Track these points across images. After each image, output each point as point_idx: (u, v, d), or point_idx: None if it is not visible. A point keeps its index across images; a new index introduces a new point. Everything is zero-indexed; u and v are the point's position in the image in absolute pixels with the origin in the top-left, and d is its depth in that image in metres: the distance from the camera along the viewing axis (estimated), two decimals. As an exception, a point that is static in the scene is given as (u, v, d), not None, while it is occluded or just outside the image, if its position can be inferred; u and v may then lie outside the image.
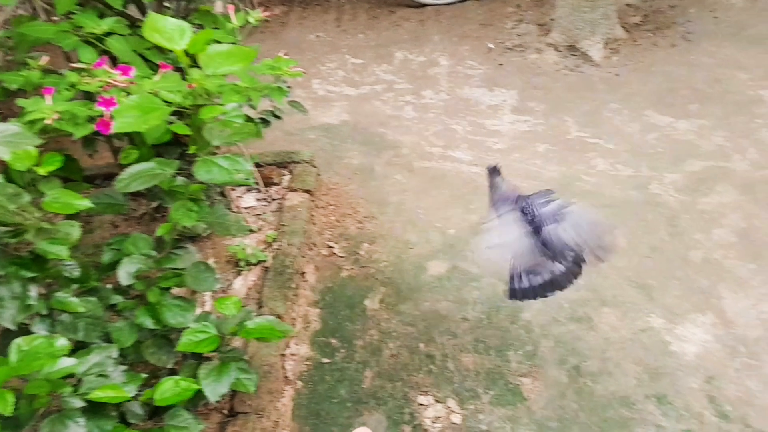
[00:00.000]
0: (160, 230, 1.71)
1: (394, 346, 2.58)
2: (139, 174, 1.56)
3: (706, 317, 2.62)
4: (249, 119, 2.05)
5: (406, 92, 4.44)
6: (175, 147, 2.42)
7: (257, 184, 3.12)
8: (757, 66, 4.40)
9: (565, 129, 3.92)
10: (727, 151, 3.61)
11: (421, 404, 2.37)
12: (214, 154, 1.84)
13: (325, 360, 2.54)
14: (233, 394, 2.25)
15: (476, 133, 3.95)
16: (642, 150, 3.68)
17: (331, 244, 3.07)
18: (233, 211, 2.93)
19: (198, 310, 2.68)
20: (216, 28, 2.14)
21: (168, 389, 1.69)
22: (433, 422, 2.30)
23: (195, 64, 1.52)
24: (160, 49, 2.07)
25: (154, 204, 2.91)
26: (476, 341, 2.59)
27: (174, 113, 1.65)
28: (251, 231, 2.90)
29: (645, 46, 4.75)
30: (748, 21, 4.96)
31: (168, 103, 1.47)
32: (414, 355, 2.55)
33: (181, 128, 1.54)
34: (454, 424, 2.29)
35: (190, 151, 1.56)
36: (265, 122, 2.67)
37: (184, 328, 1.79)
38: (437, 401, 2.38)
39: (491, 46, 4.92)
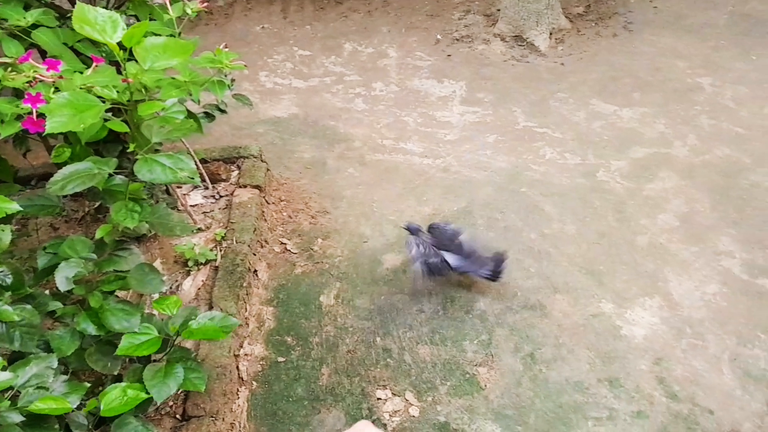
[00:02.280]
0: (100, 232, 1.63)
1: (350, 342, 2.56)
2: (74, 175, 1.47)
3: (653, 300, 2.70)
4: (191, 114, 1.97)
5: (356, 84, 4.40)
6: (115, 144, 2.32)
7: (204, 181, 3.03)
8: (694, 54, 4.56)
9: (513, 119, 3.96)
10: (669, 138, 3.73)
11: (379, 398, 2.35)
12: (157, 151, 1.77)
13: (281, 359, 2.49)
14: (186, 397, 2.19)
15: (427, 125, 3.95)
16: (588, 138, 3.75)
17: (284, 240, 3.01)
18: (180, 210, 2.84)
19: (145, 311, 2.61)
20: (152, 19, 2.05)
21: (114, 399, 1.62)
22: (392, 416, 2.29)
23: (132, 57, 1.45)
24: (95, 42, 1.97)
25: (96, 204, 2.79)
26: (432, 332, 2.59)
27: (111, 109, 1.57)
28: (199, 229, 2.82)
29: (588, 36, 4.85)
30: (686, 11, 5.13)
31: (103, 99, 1.40)
32: (371, 349, 2.53)
33: (118, 125, 1.46)
34: (413, 416, 2.29)
35: (129, 149, 1.49)
36: (209, 117, 2.59)
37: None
38: (395, 395, 2.36)
39: (439, 37, 4.93)
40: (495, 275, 2.68)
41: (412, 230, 2.76)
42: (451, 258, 2.68)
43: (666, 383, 2.36)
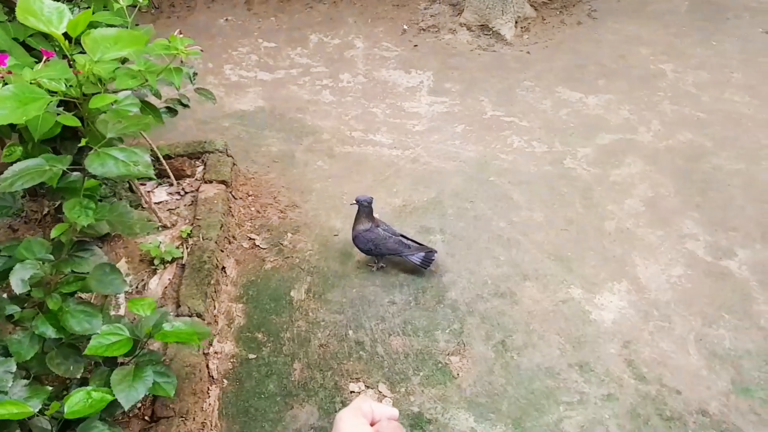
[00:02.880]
0: (55, 231, 1.57)
1: (322, 336, 2.53)
2: (23, 172, 1.42)
3: (621, 285, 2.73)
4: (150, 107, 1.91)
5: (323, 76, 4.36)
6: (73, 142, 2.25)
7: (169, 177, 2.97)
8: (657, 41, 4.63)
9: (481, 109, 3.97)
10: (634, 124, 3.78)
11: (352, 392, 2.34)
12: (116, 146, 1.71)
13: (252, 355, 2.46)
14: (154, 398, 2.14)
15: (395, 116, 3.93)
16: (555, 126, 3.78)
17: (252, 235, 2.97)
18: (144, 207, 2.77)
19: (113, 312, 2.54)
20: (105, 9, 1.98)
21: (78, 401, 1.56)
22: (365, 409, 2.27)
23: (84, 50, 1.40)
24: (47, 36, 1.91)
25: (56, 204, 2.70)
26: (404, 323, 2.58)
27: (64, 104, 1.52)
28: (165, 227, 2.76)
29: (553, 24, 4.89)
30: (648, -2, 5.20)
31: (53, 93, 1.34)
32: (343, 342, 2.51)
33: (69, 120, 1.41)
34: (386, 408, 2.27)
35: (81, 144, 1.44)
36: (171, 111, 2.53)
37: (92, 335, 1.66)
38: (368, 387, 2.35)
39: (406, 27, 4.91)
40: (426, 263, 2.75)
41: (367, 202, 2.71)
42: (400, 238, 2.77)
43: (634, 365, 2.40)
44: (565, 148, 3.59)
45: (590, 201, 3.20)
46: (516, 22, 4.78)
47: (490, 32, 4.71)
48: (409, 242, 2.76)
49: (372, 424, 0.69)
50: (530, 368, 2.41)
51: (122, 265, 2.66)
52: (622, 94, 4.06)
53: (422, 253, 2.75)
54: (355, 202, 2.72)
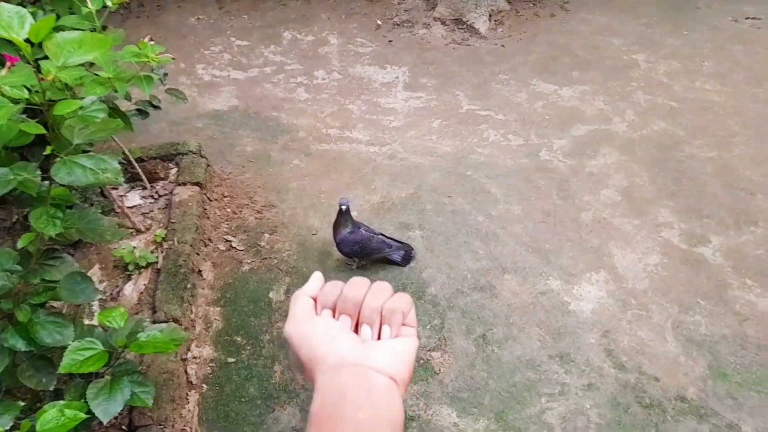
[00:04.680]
0: (22, 242, 1.53)
1: (302, 336, 2.51)
2: (-14, 182, 1.37)
3: (599, 275, 2.76)
4: (118, 112, 1.87)
5: (297, 73, 4.32)
6: (41, 148, 2.20)
7: (142, 180, 2.92)
8: (629, 32, 4.67)
9: (456, 103, 3.97)
10: (608, 115, 3.81)
11: (334, 392, 2.32)
12: (86, 151, 1.67)
13: (231, 359, 2.43)
14: (131, 407, 2.10)
15: (372, 112, 3.91)
16: (530, 119, 3.80)
17: (229, 237, 2.94)
18: (116, 212, 2.72)
19: (87, 321, 2.49)
20: (72, 12, 1.94)
21: (51, 419, 1.52)
22: (348, 408, 2.26)
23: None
24: (11, 42, 1.85)
25: (25, 212, 2.64)
26: (385, 321, 2.57)
27: (31, 110, 1.48)
28: (138, 231, 2.71)
29: (527, 17, 4.90)
30: (618, -11, 5.24)
31: (17, 101, 1.30)
32: (323, 342, 2.49)
33: (33, 127, 1.37)
34: (369, 407, 2.27)
35: (46, 152, 1.40)
36: (142, 114, 2.48)
37: (65, 347, 1.63)
38: (350, 387, 2.34)
39: (380, 22, 4.88)
40: (406, 260, 2.80)
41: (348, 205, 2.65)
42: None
43: (614, 355, 2.42)
44: (541, 140, 3.61)
45: (567, 192, 3.22)
46: (490, 16, 4.79)
47: (465, 26, 4.71)
48: (390, 241, 2.75)
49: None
50: (511, 361, 2.42)
51: (95, 271, 2.61)
52: (596, 85, 4.09)
53: (402, 251, 2.76)
54: (340, 205, 2.60)
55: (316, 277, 0.70)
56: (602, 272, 2.78)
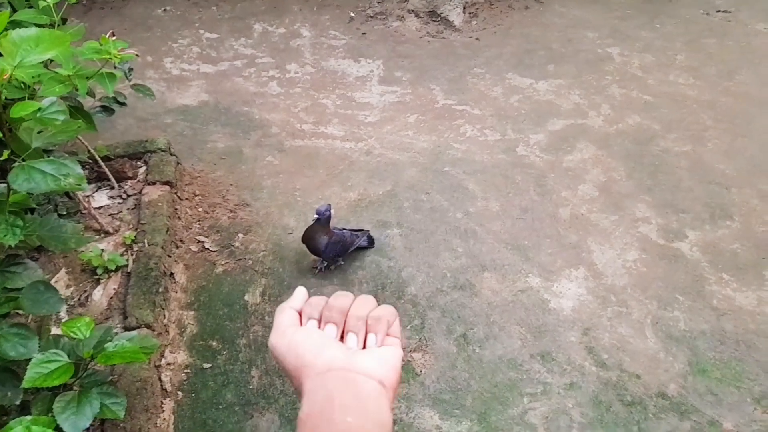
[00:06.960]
0: (-21, 252, 1.44)
1: (279, 340, 2.44)
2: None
3: (578, 272, 2.75)
4: (81, 111, 1.77)
5: (269, 67, 4.21)
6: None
7: (109, 180, 2.80)
8: (603, 25, 4.67)
9: (432, 97, 3.92)
10: (584, 109, 3.80)
11: (313, 396, 2.26)
12: (48, 151, 1.58)
13: (206, 365, 2.35)
14: (102, 420, 2.01)
15: (346, 107, 3.84)
16: (507, 113, 3.77)
17: (201, 238, 2.84)
18: (83, 214, 2.61)
19: (54, 330, 2.38)
20: (30, 7, 1.83)
21: (15, 438, 1.45)
22: (328, 413, 2.21)
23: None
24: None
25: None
26: (364, 323, 2.52)
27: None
28: (107, 233, 2.60)
29: (501, 10, 4.87)
30: (591, -18, 5.23)
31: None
32: (301, 345, 2.43)
33: (-13, 131, 1.27)
34: (349, 411, 2.22)
35: (3, 157, 1.30)
36: (108, 111, 2.38)
37: (30, 363, 1.53)
38: (330, 391, 2.28)
39: (353, 14, 4.79)
40: (371, 242, 2.84)
41: (326, 214, 2.56)
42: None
43: (595, 352, 2.41)
44: (518, 135, 3.58)
45: (544, 188, 3.20)
46: (464, 8, 4.74)
47: (439, 19, 4.65)
48: (354, 232, 2.74)
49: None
50: (493, 361, 2.39)
51: (62, 275, 2.50)
52: (572, 78, 4.08)
53: (365, 236, 2.77)
54: (317, 215, 2.51)
55: (301, 291, 0.70)
56: (581, 269, 2.77)
